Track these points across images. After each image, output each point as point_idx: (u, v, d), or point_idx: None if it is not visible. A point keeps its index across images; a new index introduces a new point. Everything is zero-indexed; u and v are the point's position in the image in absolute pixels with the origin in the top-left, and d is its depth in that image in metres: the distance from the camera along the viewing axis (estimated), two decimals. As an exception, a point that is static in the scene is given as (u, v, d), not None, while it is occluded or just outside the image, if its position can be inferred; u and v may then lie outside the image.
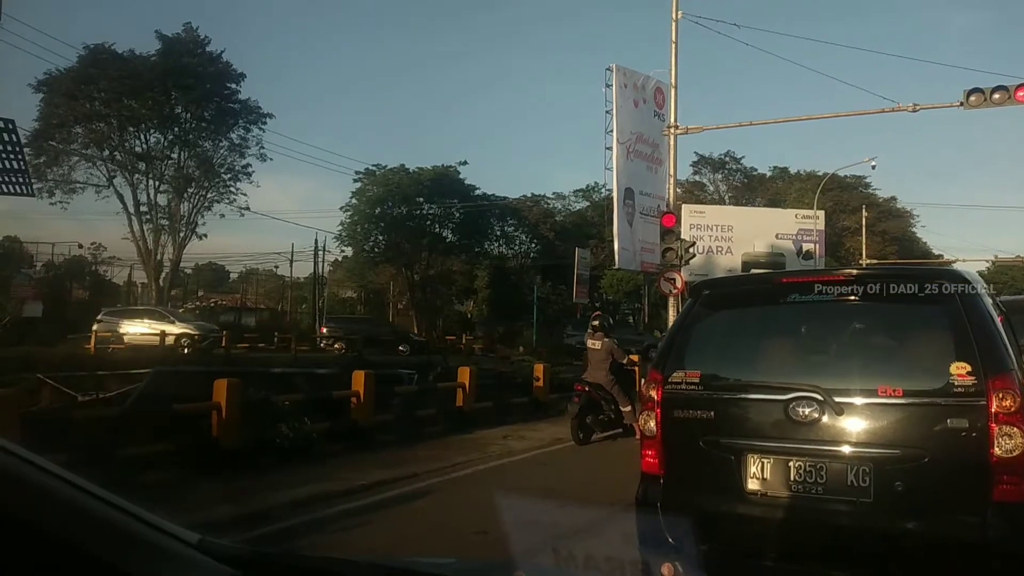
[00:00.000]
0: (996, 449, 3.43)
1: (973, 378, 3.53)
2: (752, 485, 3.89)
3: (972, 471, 3.50)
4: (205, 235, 41.95)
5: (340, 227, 46.80)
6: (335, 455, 9.56)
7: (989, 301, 4.01)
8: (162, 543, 1.42)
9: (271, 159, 44.87)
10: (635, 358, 15.37)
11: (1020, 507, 3.43)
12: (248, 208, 42.28)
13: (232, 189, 41.90)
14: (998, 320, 3.91)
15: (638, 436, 11.00)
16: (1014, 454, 3.41)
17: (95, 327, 28.29)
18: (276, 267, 63.37)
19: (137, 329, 29.31)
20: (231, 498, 7.04)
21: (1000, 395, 3.46)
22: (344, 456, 9.54)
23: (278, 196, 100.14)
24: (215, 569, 1.48)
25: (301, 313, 53.35)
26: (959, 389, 3.54)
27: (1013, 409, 3.44)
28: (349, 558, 2.72)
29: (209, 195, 41.34)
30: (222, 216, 42.65)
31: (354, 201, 46.34)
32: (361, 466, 8.84)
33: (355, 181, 46.36)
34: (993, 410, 3.45)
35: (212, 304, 51.18)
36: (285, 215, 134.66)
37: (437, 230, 48.36)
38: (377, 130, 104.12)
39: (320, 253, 48.23)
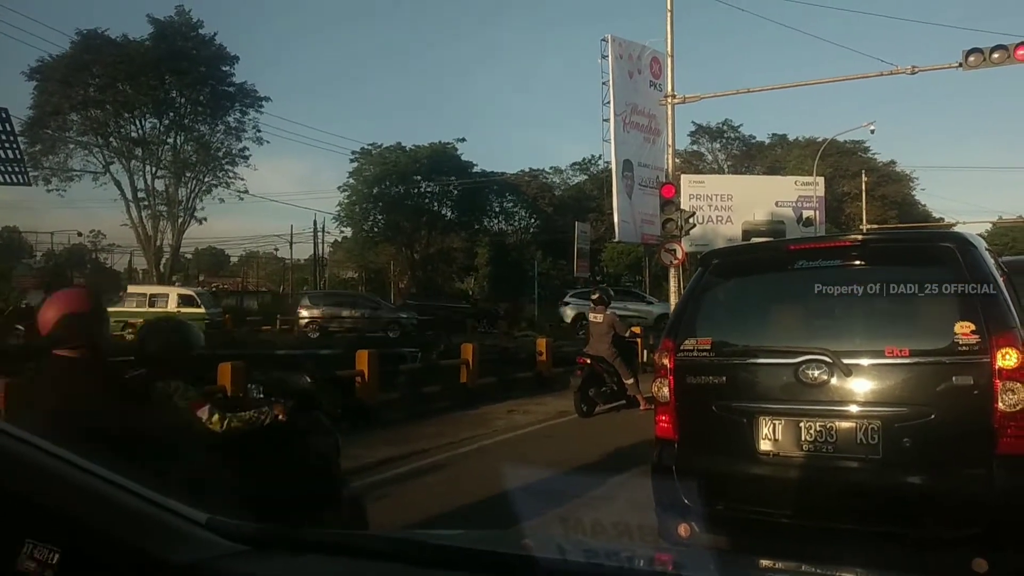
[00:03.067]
0: (1000, 404, 3.50)
1: (977, 336, 3.59)
2: (764, 446, 3.97)
3: (977, 426, 3.57)
4: (204, 219, 42.01)
5: (339, 208, 46.84)
6: (342, 434, 9.56)
7: (991, 262, 4.06)
8: (171, 522, 1.43)
9: (268, 142, 44.75)
10: (637, 330, 15.43)
11: (1023, 458, 3.50)
12: (246, 191, 42.31)
13: (230, 173, 41.87)
14: (1000, 280, 3.95)
15: (641, 408, 11.19)
16: (1017, 408, 3.48)
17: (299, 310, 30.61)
18: (276, 249, 63.51)
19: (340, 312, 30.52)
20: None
21: (1003, 352, 3.52)
22: (351, 434, 9.54)
23: (276, 178, 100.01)
24: (224, 547, 1.49)
25: (303, 295, 53.41)
26: (963, 347, 3.61)
27: (1016, 365, 3.51)
28: (357, 533, 2.75)
29: (207, 179, 41.30)
30: (221, 200, 42.66)
31: (351, 181, 46.28)
32: (369, 444, 8.88)
33: (352, 161, 46.32)
34: (997, 367, 3.52)
35: (214, 288, 51.24)
36: (283, 197, 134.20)
37: (436, 208, 48.30)
38: (373, 109, 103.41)
39: (319, 234, 48.28)
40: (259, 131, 41.78)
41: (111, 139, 39.42)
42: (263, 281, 64.79)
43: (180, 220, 40.24)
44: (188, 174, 40.41)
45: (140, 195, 39.40)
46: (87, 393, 2.82)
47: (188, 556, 1.39)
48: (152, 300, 30.00)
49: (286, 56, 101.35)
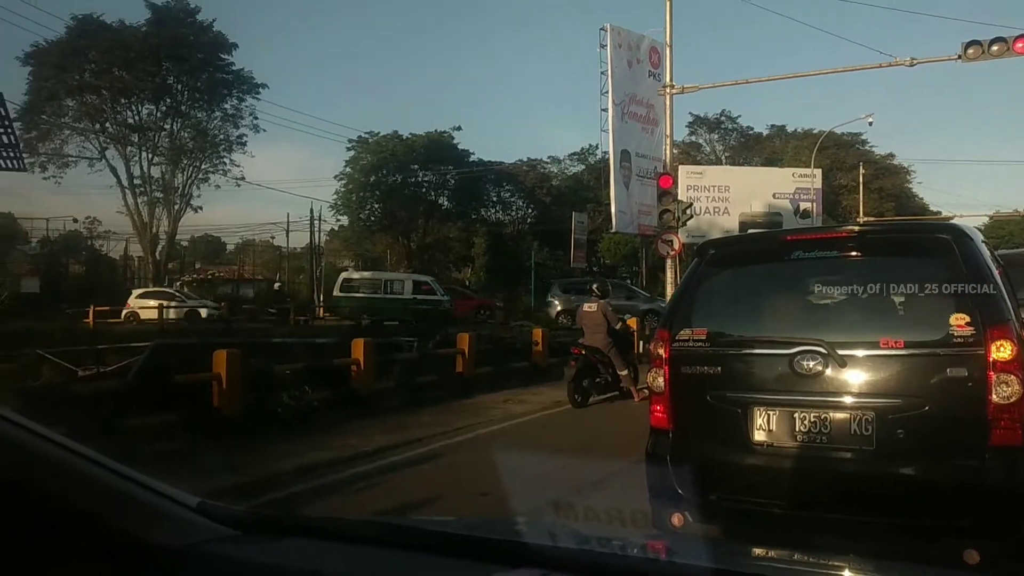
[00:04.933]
0: (994, 396, 3.52)
1: (972, 328, 3.59)
2: (759, 436, 3.98)
3: (971, 418, 3.59)
4: (200, 207, 41.88)
5: (335, 196, 46.72)
6: (338, 423, 9.62)
7: (987, 254, 4.08)
8: (162, 506, 1.43)
9: (265, 129, 44.58)
10: (632, 323, 15.43)
11: (1016, 450, 3.53)
12: (243, 179, 42.20)
13: (226, 160, 41.72)
14: (996, 273, 3.96)
15: (636, 399, 11.23)
16: (1011, 400, 3.50)
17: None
18: (272, 237, 63.22)
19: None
20: (235, 466, 7.10)
21: (998, 344, 3.53)
22: (346, 423, 9.60)
23: (273, 166, 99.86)
24: (214, 530, 1.49)
25: (299, 283, 53.33)
26: (958, 339, 3.62)
27: (1010, 358, 3.52)
28: (349, 518, 2.75)
29: (203, 166, 41.14)
30: (217, 187, 42.56)
31: (348, 170, 46.14)
32: (364, 432, 8.90)
33: (348, 149, 46.15)
34: (991, 359, 3.53)
35: (210, 276, 51.14)
36: (280, 185, 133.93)
37: (433, 197, 48.20)
38: (370, 97, 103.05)
39: (316, 223, 48.13)
40: (256, 118, 41.68)
41: (107, 125, 39.26)
42: (259, 269, 64.65)
43: (176, 207, 40.12)
44: (184, 161, 40.27)
45: (136, 182, 39.28)
46: None
47: (178, 539, 1.39)
48: (388, 285, 31.40)
49: (284, 43, 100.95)
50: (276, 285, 37.10)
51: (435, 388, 12.52)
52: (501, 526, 2.05)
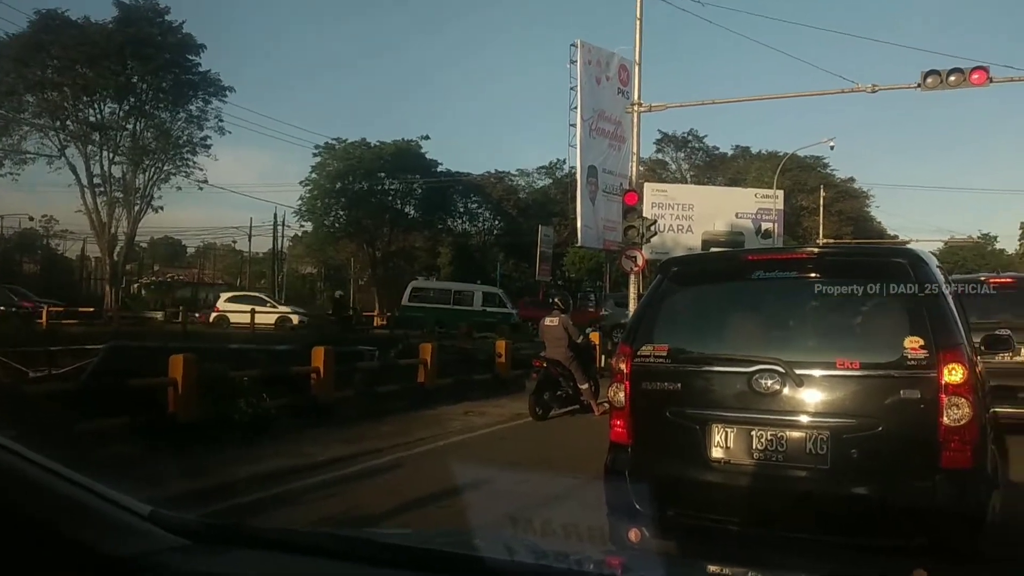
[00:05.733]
0: (945, 419, 3.59)
1: (925, 351, 3.67)
2: (716, 453, 4.01)
3: (923, 439, 3.66)
4: (161, 208, 41.08)
5: (300, 202, 46.35)
6: (296, 431, 9.49)
7: (942, 279, 4.19)
8: (113, 515, 1.39)
9: (230, 132, 43.94)
10: (595, 337, 15.49)
11: (966, 472, 3.61)
12: (206, 181, 41.48)
13: (190, 162, 41.02)
14: (950, 297, 4.06)
15: (596, 413, 11.25)
16: (962, 423, 3.57)
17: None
18: (234, 242, 62.42)
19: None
20: (190, 473, 6.97)
21: (950, 368, 3.61)
22: (305, 432, 9.47)
23: (237, 169, 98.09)
24: (166, 540, 1.46)
25: (260, 288, 52.73)
26: (912, 362, 3.69)
27: (961, 381, 3.60)
28: (304, 530, 2.71)
29: (166, 167, 40.40)
30: (179, 189, 41.69)
31: (314, 175, 45.84)
32: (322, 441, 8.79)
33: (315, 155, 45.88)
34: (943, 382, 3.61)
35: (169, 279, 50.32)
36: (244, 189, 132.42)
37: (399, 206, 48.05)
38: (338, 104, 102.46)
39: (279, 228, 47.69)
40: (221, 121, 41.05)
41: (68, 123, 38.40)
42: (220, 273, 63.76)
43: (136, 208, 39.32)
44: (146, 161, 39.53)
45: (96, 181, 38.43)
46: None
47: (129, 549, 1.36)
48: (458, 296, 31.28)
49: (253, 46, 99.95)
50: (337, 294, 36.23)
51: (396, 398, 12.42)
52: (458, 539, 2.04)
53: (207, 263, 67.08)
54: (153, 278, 50.95)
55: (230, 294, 35.28)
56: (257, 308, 29.88)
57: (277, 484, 6.96)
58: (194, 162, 41.00)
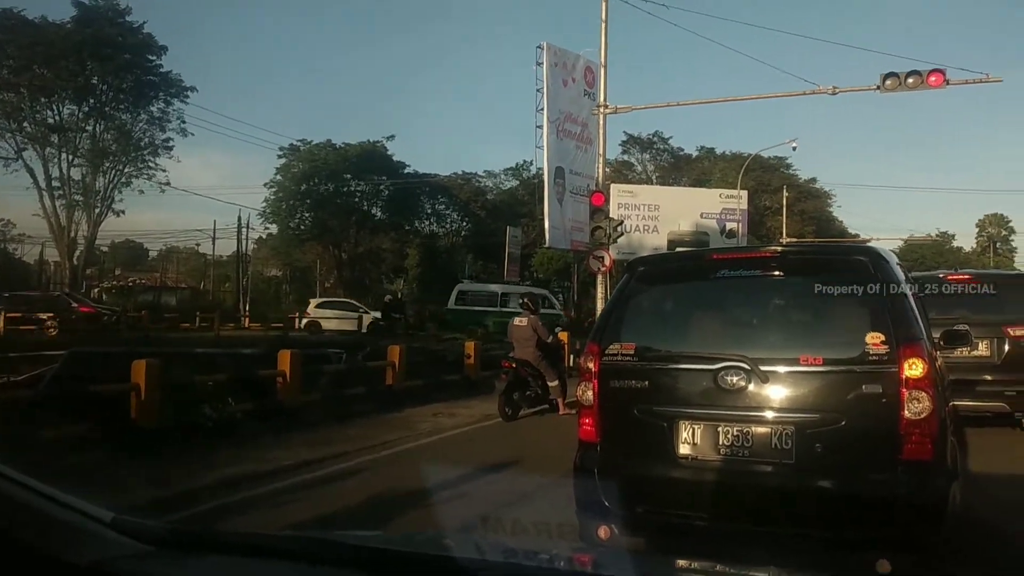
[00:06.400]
0: (906, 412, 3.66)
1: (886, 347, 3.74)
2: (684, 450, 4.05)
3: (884, 433, 3.72)
4: (123, 211, 40.46)
5: (264, 204, 45.87)
6: (261, 435, 9.37)
7: (902, 276, 4.27)
8: (75, 522, 1.37)
9: (192, 134, 43.37)
10: (563, 336, 15.53)
11: (927, 464, 3.68)
12: (168, 184, 40.88)
13: (151, 164, 40.39)
14: (910, 294, 4.14)
15: (561, 412, 11.29)
16: (922, 416, 3.64)
17: None
18: (198, 245, 61.68)
19: None
20: (154, 480, 6.85)
21: (910, 362, 3.69)
22: (271, 436, 9.36)
23: (200, 172, 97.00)
24: (129, 546, 1.43)
25: (224, 292, 52.07)
26: (873, 357, 3.75)
27: (922, 375, 3.67)
28: (268, 533, 2.67)
29: (127, 170, 39.74)
30: (141, 192, 41.04)
31: (279, 177, 45.44)
32: (289, 446, 8.70)
33: (280, 157, 45.47)
34: (904, 376, 3.68)
35: (130, 283, 49.42)
36: (207, 191, 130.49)
37: (365, 207, 47.78)
38: (303, 105, 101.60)
39: (244, 231, 47.11)
40: (184, 122, 40.53)
41: (25, 124, 37.61)
42: (183, 277, 62.83)
43: (97, 211, 38.62)
44: (107, 163, 38.83)
45: (54, 184, 37.68)
46: None
47: (91, 556, 1.34)
48: (504, 299, 31.06)
49: (216, 47, 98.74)
50: (387, 297, 35.45)
51: (364, 401, 12.32)
52: (427, 541, 2.03)
53: (170, 267, 66.08)
54: (114, 282, 49.94)
55: (320, 300, 35.69)
56: (346, 313, 31.37)
57: (242, 489, 6.87)
58: (156, 164, 40.47)
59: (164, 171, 40.69)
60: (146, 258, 72.00)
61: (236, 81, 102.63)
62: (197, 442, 8.55)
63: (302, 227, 46.60)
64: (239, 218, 59.13)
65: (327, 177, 44.58)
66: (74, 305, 29.24)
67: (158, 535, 1.55)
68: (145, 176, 40.20)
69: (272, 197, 45.35)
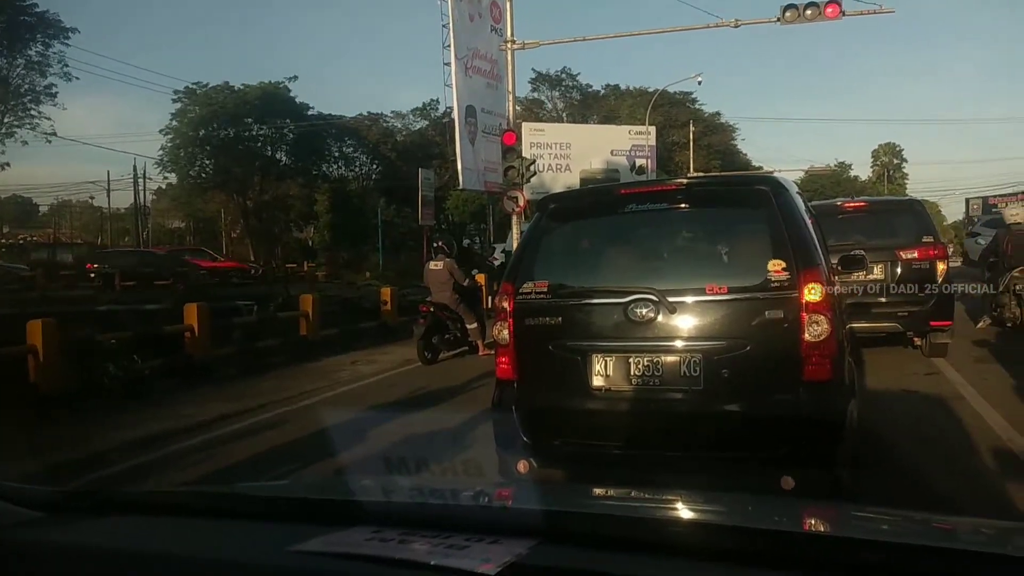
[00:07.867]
0: (806, 335, 3.81)
1: (787, 273, 3.86)
2: (597, 382, 4.13)
3: (787, 356, 3.87)
4: (7, 164, 37.86)
5: (161, 152, 43.70)
6: (172, 393, 9.12)
7: (802, 205, 4.40)
8: None
9: (78, 79, 40.30)
10: (481, 278, 15.56)
11: (826, 384, 3.85)
12: (55, 134, 38.31)
13: (34, 112, 37.75)
14: (810, 222, 4.29)
15: (481, 353, 11.37)
16: (821, 338, 3.80)
17: None
18: (92, 198, 58.53)
19: None
20: (57, 445, 6.59)
21: (810, 288, 3.82)
22: (182, 393, 9.12)
23: (90, 120, 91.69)
24: (17, 514, 1.35)
25: (124, 247, 49.82)
26: (775, 284, 3.88)
27: (820, 299, 3.82)
28: (167, 490, 2.59)
29: (7, 119, 37.07)
30: (24, 143, 38.41)
31: (175, 123, 43.18)
32: (202, 402, 8.50)
33: (175, 102, 43.13)
34: (804, 301, 3.82)
35: (21, 241, 46.69)
36: (99, 140, 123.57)
37: (269, 153, 46.11)
38: (197, 46, 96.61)
39: (141, 181, 44.96)
40: (66, 66, 37.78)
41: None
42: (79, 232, 59.76)
43: (-24, 165, 36.10)
44: (-17, 114, 36.20)
45: (-74, 137, 34.92)
46: None
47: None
48: None
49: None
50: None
51: (278, 353, 12.12)
52: (335, 486, 2.00)
53: (63, 222, 62.70)
54: (3, 240, 47.10)
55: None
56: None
57: (154, 449, 6.68)
58: (39, 112, 37.76)
59: (49, 119, 38.11)
60: (36, 214, 68.09)
61: (123, 21, 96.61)
62: (105, 403, 8.26)
63: (203, 175, 44.69)
64: (135, 168, 56.24)
65: (227, 122, 42.68)
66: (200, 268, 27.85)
67: (48, 500, 1.47)
68: (28, 126, 37.59)
69: (169, 144, 43.21)
